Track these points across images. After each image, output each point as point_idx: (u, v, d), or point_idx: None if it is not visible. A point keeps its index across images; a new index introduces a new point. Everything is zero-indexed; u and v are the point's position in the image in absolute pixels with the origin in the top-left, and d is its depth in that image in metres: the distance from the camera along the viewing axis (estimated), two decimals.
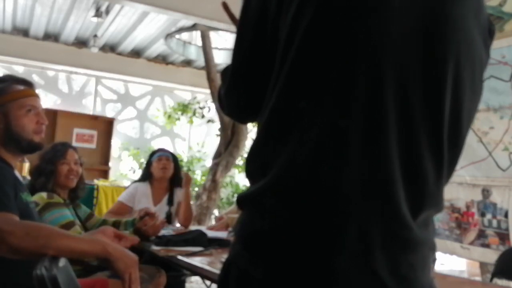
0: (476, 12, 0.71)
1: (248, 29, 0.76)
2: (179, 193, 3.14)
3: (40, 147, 1.63)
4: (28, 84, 1.64)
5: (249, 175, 0.71)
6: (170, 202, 3.10)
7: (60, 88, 6.76)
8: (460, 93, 0.68)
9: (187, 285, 3.12)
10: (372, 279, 0.61)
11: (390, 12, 0.65)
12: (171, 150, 3.28)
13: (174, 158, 3.18)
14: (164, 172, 3.06)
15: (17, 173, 1.59)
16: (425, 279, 0.66)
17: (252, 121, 0.86)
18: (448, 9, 0.67)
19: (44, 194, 2.13)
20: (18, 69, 6.32)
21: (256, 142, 0.71)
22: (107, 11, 5.17)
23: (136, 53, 6.69)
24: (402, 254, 0.63)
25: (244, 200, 0.70)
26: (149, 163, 3.14)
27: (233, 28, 0.82)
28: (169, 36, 5.67)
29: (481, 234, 2.89)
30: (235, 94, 0.80)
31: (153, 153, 3.19)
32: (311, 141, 0.63)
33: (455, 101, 0.68)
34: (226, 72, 0.82)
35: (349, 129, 0.62)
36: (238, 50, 0.78)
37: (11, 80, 1.61)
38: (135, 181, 3.21)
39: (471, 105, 0.72)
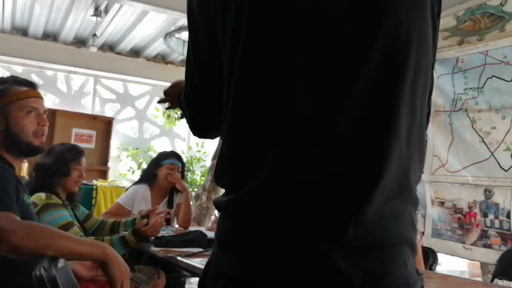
0: None
1: (195, 47, 0.77)
2: (178, 195, 3.12)
3: (40, 150, 1.62)
4: (30, 85, 1.63)
5: (221, 187, 0.72)
6: (170, 204, 3.09)
7: (59, 87, 6.74)
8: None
9: (187, 286, 3.11)
10: (334, 273, 0.60)
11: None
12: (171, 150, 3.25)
13: (183, 167, 3.13)
14: (170, 182, 3.02)
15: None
16: (397, 273, 0.64)
17: (217, 135, 0.88)
18: None
19: (42, 195, 2.11)
20: (17, 69, 6.30)
21: (221, 159, 0.71)
22: (106, 10, 5.15)
23: (135, 53, 6.68)
24: (365, 249, 0.62)
25: (220, 206, 0.70)
26: (157, 165, 3.06)
27: None
28: (168, 35, 5.65)
29: (483, 235, 2.88)
30: (194, 112, 0.84)
31: (165, 155, 3.10)
32: (281, 153, 0.63)
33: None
34: (180, 95, 0.86)
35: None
36: (188, 68, 0.80)
37: (12, 81, 1.60)
38: (135, 183, 3.17)
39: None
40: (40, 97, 1.64)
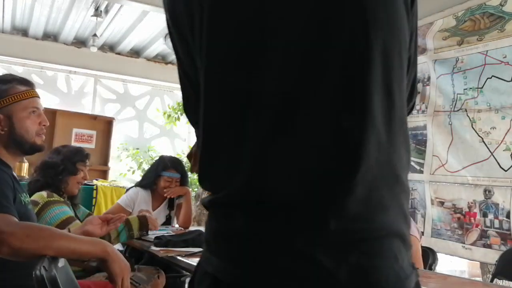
0: None
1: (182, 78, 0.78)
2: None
3: (41, 149, 1.64)
4: (31, 84, 1.64)
5: (205, 189, 0.72)
6: (171, 206, 3.10)
7: (59, 87, 6.74)
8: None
9: (187, 286, 3.11)
10: (317, 270, 0.58)
11: None
12: (171, 150, 3.25)
13: (183, 177, 3.11)
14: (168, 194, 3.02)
15: (15, 174, 1.59)
16: (387, 267, 0.60)
17: None
18: None
19: (44, 193, 2.14)
20: (17, 69, 6.30)
21: (200, 160, 0.71)
22: (107, 11, 5.16)
23: (136, 53, 6.68)
24: (350, 243, 0.59)
25: (205, 206, 0.71)
26: (157, 175, 3.05)
27: None
28: (168, 35, 5.65)
29: (483, 235, 2.88)
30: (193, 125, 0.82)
31: (165, 165, 3.07)
32: (259, 155, 0.63)
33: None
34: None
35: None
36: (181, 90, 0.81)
37: (14, 80, 1.61)
38: (136, 185, 3.17)
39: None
40: (39, 97, 1.67)
